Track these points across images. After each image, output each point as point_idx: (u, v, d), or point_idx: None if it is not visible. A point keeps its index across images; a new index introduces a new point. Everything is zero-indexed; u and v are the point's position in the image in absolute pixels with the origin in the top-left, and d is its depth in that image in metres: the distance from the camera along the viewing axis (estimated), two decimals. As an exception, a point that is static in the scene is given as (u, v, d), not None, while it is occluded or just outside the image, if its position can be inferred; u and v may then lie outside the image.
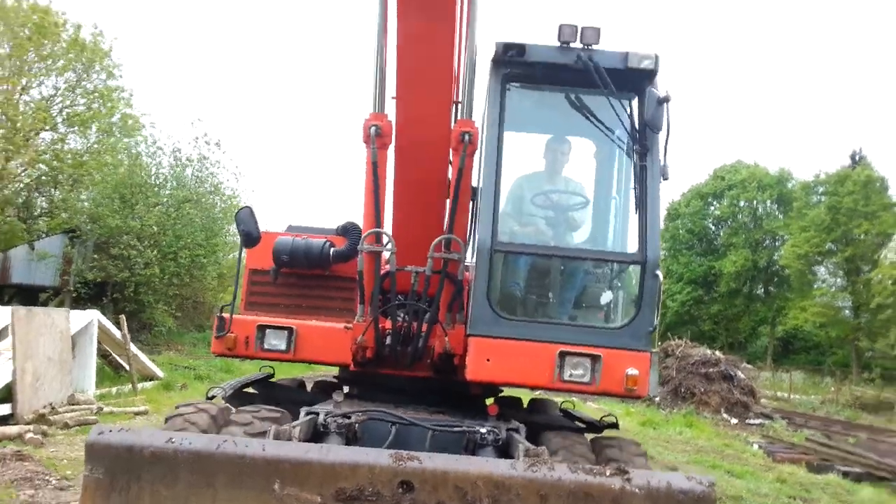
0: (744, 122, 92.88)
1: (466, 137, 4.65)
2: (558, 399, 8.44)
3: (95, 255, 23.12)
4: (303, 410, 4.56)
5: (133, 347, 14.38)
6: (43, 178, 23.85)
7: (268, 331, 5.43)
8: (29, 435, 8.81)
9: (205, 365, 19.48)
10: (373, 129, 4.72)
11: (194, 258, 24.80)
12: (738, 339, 49.53)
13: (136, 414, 11.61)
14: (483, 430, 4.40)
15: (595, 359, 4.55)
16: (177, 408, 4.86)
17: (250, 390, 6.04)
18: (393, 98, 4.77)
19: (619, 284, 5.23)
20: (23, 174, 23.00)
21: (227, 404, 5.42)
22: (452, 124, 4.84)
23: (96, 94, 24.36)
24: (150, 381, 14.89)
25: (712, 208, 52.34)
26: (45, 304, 21.76)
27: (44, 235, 24.27)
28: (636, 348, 4.62)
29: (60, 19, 22.66)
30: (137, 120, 26.83)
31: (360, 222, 5.30)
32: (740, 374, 22.90)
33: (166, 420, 4.69)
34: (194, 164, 26.59)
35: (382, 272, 5.11)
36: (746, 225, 48.87)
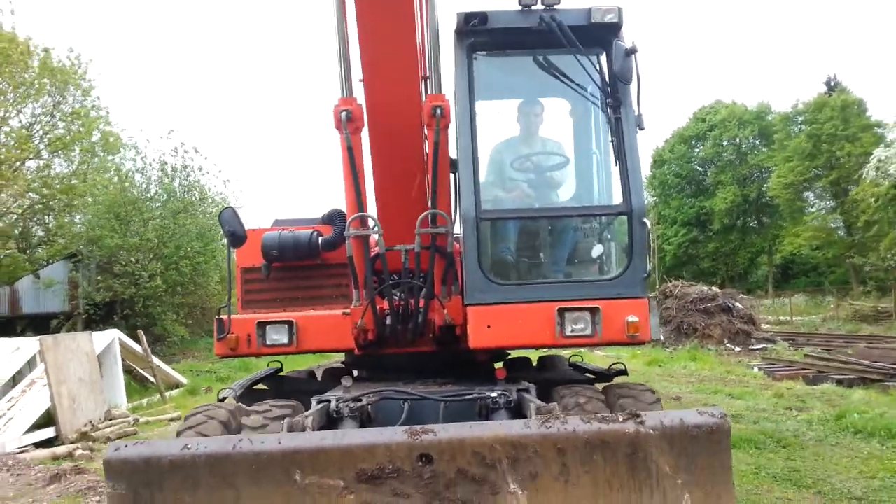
0: (719, 60, 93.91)
1: (438, 111, 4.66)
2: (567, 354, 8.52)
3: (100, 277, 23.71)
4: (314, 400, 4.59)
5: (154, 359, 15.19)
6: (35, 206, 24.11)
7: (268, 327, 5.47)
8: (79, 451, 9.58)
9: (224, 367, 19.87)
10: (343, 114, 4.72)
11: (195, 265, 25.18)
12: (738, 271, 50.62)
13: (171, 420, 12.04)
14: (494, 395, 4.46)
15: (594, 311, 4.62)
16: (185, 419, 4.89)
17: (261, 387, 6.08)
18: (360, 81, 4.75)
19: (609, 236, 5.27)
20: (14, 205, 23.20)
21: (240, 404, 5.45)
22: (423, 100, 4.84)
23: (74, 116, 24.54)
24: (176, 388, 15.69)
25: (697, 150, 53.13)
26: (57, 330, 21.95)
27: (46, 263, 24.85)
28: (633, 296, 4.69)
29: (26, 45, 22.49)
30: (118, 137, 27.18)
31: (345, 208, 5.30)
32: (738, 305, 23.74)
33: (178, 434, 4.72)
34: (179, 173, 26.87)
35: (372, 254, 5.13)
36: (732, 162, 49.68)
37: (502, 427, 3.64)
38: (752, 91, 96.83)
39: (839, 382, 13.30)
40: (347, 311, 5.28)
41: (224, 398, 5.52)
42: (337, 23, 4.64)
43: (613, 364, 6.24)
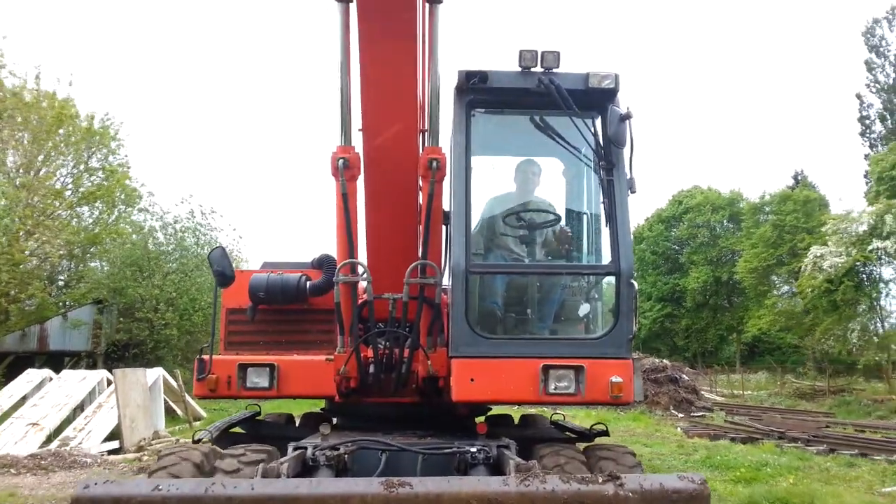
0: (699, 149, 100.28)
1: (434, 164, 4.74)
2: (549, 413, 8.49)
3: (121, 320, 26.76)
4: (290, 446, 4.52)
5: (185, 395, 18.07)
6: (60, 252, 26.26)
7: (249, 369, 5.41)
8: (145, 457, 12.57)
9: (234, 406, 20.47)
10: (341, 161, 4.79)
11: (207, 317, 26.55)
12: (709, 348, 52.74)
13: (202, 442, 14.24)
14: (473, 450, 4.41)
15: (578, 370, 4.60)
16: (158, 459, 4.78)
17: (238, 429, 5.98)
18: (359, 130, 4.83)
19: (596, 296, 5.30)
20: (57, 253, 25.63)
21: (215, 446, 5.35)
22: (420, 152, 4.91)
23: (108, 173, 27.42)
24: (197, 420, 17.91)
25: (673, 230, 56.04)
26: (73, 367, 23.43)
27: (73, 306, 27.68)
28: (618, 356, 4.68)
29: (75, 110, 25.80)
30: (136, 189, 29.50)
31: (335, 254, 5.32)
32: (684, 377, 27.64)
33: (150, 474, 4.61)
34: (191, 232, 29.21)
35: (360, 302, 5.13)
36: (705, 244, 52.19)
37: (480, 483, 3.59)
38: (728, 178, 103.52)
39: (732, 440, 16.50)
40: (331, 356, 5.24)
41: (199, 440, 5.42)
42: (340, 73, 4.75)
43: (594, 425, 6.19)
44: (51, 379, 16.76)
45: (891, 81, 43.72)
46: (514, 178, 5.77)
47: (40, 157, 25.02)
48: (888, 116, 43.81)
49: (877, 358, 29.65)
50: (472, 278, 4.86)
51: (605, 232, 4.95)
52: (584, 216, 5.58)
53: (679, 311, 52.90)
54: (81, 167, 26.87)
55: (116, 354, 26.99)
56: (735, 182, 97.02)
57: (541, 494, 3.51)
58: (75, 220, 27.31)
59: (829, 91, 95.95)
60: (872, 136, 44.35)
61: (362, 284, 5.07)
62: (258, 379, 5.39)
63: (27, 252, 23.67)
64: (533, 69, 4.88)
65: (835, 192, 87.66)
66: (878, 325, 30.45)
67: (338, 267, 4.98)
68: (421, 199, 4.98)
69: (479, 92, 5.02)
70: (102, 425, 14.16)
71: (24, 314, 24.82)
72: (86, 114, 26.42)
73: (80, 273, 28.78)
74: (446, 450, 4.50)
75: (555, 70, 4.86)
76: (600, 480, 3.57)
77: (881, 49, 43.76)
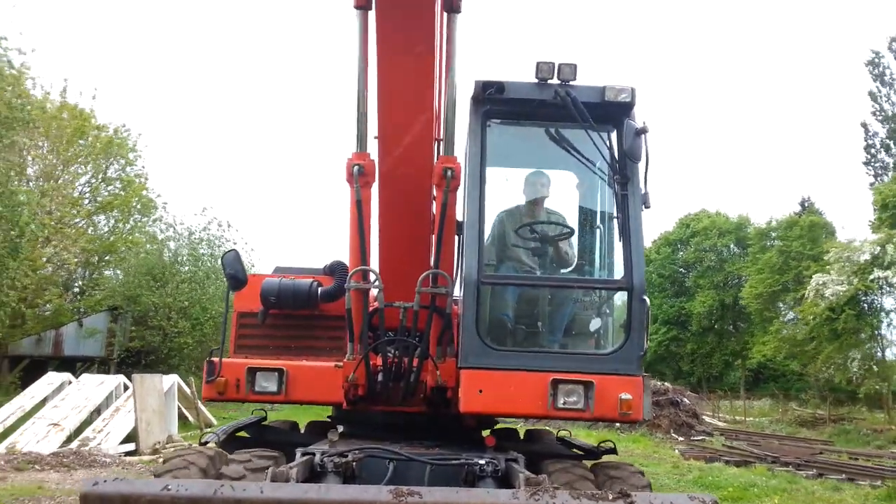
0: (707, 173, 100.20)
1: (449, 173, 4.71)
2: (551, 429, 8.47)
3: (134, 328, 27.74)
4: (298, 451, 4.51)
5: (198, 402, 18.71)
6: (75, 260, 27.42)
7: (258, 373, 5.40)
8: (160, 460, 12.11)
9: (245, 412, 20.56)
10: (356, 168, 4.76)
11: (218, 325, 27.28)
12: (713, 373, 52.49)
13: (213, 447, 14.82)
14: (482, 462, 4.38)
15: (588, 385, 4.57)
16: (165, 462, 4.79)
17: (244, 434, 5.97)
18: (375, 137, 4.84)
19: (608, 311, 5.28)
20: (75, 261, 26.90)
21: (221, 450, 5.34)
22: (435, 161, 4.92)
23: (125, 183, 28.96)
24: (209, 426, 18.18)
25: (680, 253, 56.03)
26: (84, 372, 23.85)
27: (88, 312, 28.47)
28: (628, 373, 4.65)
29: (96, 122, 27.41)
30: (152, 200, 30.87)
31: (347, 261, 5.32)
32: (685, 401, 28.14)
33: (156, 476, 4.61)
34: (206, 243, 30.22)
35: (371, 309, 5.12)
36: (712, 268, 52.15)
37: (490, 496, 3.57)
38: (736, 202, 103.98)
39: (726, 462, 16.95)
40: (340, 363, 5.23)
41: (206, 442, 5.41)
42: (357, 80, 4.75)
43: (603, 442, 6.15)
44: (70, 382, 17.55)
45: (895, 110, 43.64)
46: (522, 189, 5.76)
47: (59, 167, 26.06)
48: (892, 146, 43.65)
49: (877, 387, 29.79)
50: (484, 289, 4.85)
51: (619, 247, 4.94)
52: (598, 230, 5.58)
53: (685, 335, 52.75)
54: (99, 177, 28.26)
55: (130, 361, 27.79)
56: (743, 207, 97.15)
57: (550, 508, 3.48)
58: (91, 228, 28.59)
59: (838, 118, 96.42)
60: (877, 165, 44.27)
61: (373, 292, 5.06)
62: (267, 383, 5.39)
63: (44, 259, 24.55)
64: (550, 81, 4.89)
65: (842, 219, 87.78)
66: (879, 353, 30.64)
67: (350, 273, 4.97)
68: (434, 207, 4.98)
69: (495, 102, 5.03)
70: (120, 428, 15.09)
71: (39, 319, 25.79)
72: (103, 123, 27.74)
73: (95, 281, 30.02)
74: (454, 461, 4.48)
75: (571, 82, 4.87)
76: (610, 497, 3.54)
77: (885, 78, 43.70)
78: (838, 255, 29.57)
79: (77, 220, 27.42)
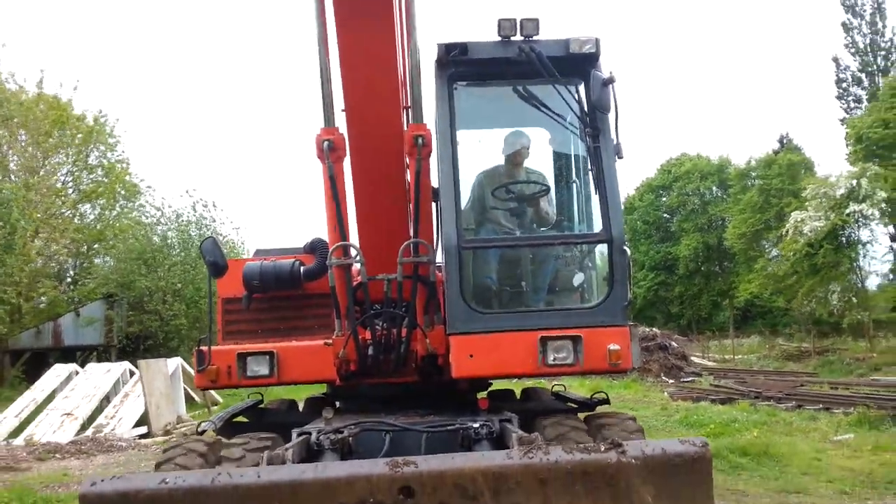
0: (686, 115, 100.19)
1: (420, 141, 4.64)
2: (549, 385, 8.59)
3: (132, 313, 27.56)
4: (294, 432, 4.54)
5: None
6: (64, 250, 28.12)
7: (248, 358, 5.39)
8: (173, 440, 13.38)
9: (246, 390, 21.32)
10: (325, 143, 4.68)
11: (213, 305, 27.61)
12: (702, 314, 53.18)
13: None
14: (476, 426, 4.43)
15: (576, 340, 4.60)
16: (164, 451, 4.82)
17: (242, 419, 6.00)
18: (342, 111, 4.77)
19: (590, 264, 5.29)
20: (65, 252, 27.43)
21: (219, 437, 5.38)
22: (405, 129, 4.86)
23: (107, 170, 29.66)
24: (215, 405, 18.50)
25: (664, 199, 56.35)
26: (85, 362, 24.19)
27: (87, 302, 28.89)
28: (614, 324, 4.69)
29: (76, 113, 28.08)
30: (136, 185, 31.42)
31: (327, 238, 5.29)
32: (674, 344, 29.08)
33: (157, 466, 4.65)
34: (194, 225, 29.81)
35: (354, 284, 5.11)
36: (696, 211, 52.69)
37: (484, 458, 3.61)
38: (717, 144, 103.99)
39: (712, 401, 17.55)
40: (329, 341, 5.24)
41: (204, 430, 5.44)
42: (318, 53, 4.65)
43: (595, 393, 6.23)
44: (77, 373, 18.01)
45: (867, 42, 43.65)
46: (502, 150, 5.72)
47: (40, 158, 26.48)
48: (864, 79, 43.81)
49: (858, 317, 30.85)
50: (465, 254, 4.85)
51: (596, 200, 4.93)
52: (574, 185, 5.56)
53: (672, 279, 53.41)
54: (80, 166, 28.74)
55: (130, 348, 27.79)
56: (723, 148, 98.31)
57: (544, 465, 3.53)
58: (77, 218, 29.01)
59: (814, 51, 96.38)
60: (850, 98, 44.48)
61: (356, 267, 5.04)
62: (258, 367, 5.38)
63: (34, 252, 25.05)
64: (513, 38, 4.81)
65: (821, 153, 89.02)
66: (858, 285, 31.68)
67: (330, 251, 4.94)
68: (409, 176, 4.94)
69: (459, 64, 4.97)
70: (131, 412, 15.71)
71: (36, 312, 26.47)
72: (81, 111, 28.27)
73: (87, 270, 30.39)
74: (449, 427, 4.53)
75: (535, 38, 4.80)
76: (602, 449, 3.59)
77: (857, 9, 43.66)
78: (815, 191, 30.44)
79: (63, 210, 27.67)
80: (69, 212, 28.51)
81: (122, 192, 30.50)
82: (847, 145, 34.90)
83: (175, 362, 18.28)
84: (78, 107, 28.91)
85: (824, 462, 9.49)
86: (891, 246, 36.27)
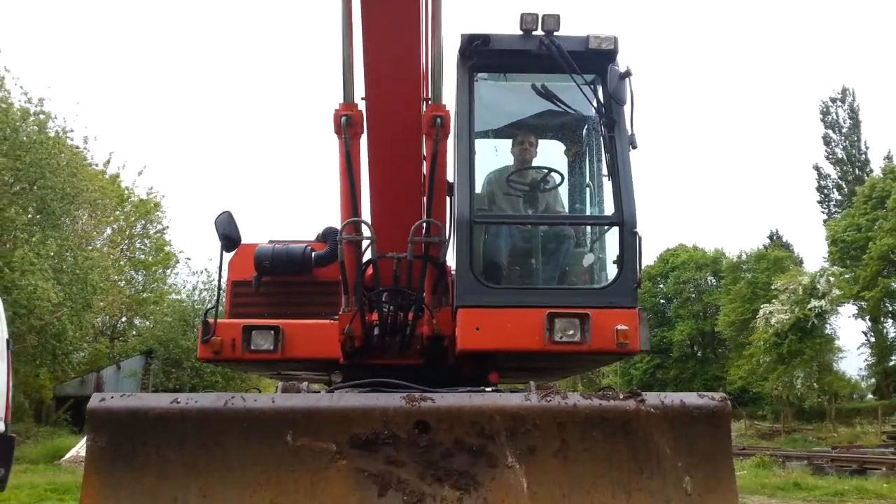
0: (685, 208, 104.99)
1: (438, 121, 4.66)
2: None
3: (173, 369, 29.94)
4: (304, 384, 4.45)
5: None
6: (118, 312, 32.90)
7: (253, 332, 5.29)
8: None
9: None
10: (343, 119, 4.69)
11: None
12: None
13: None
14: (489, 390, 4.37)
15: (584, 318, 4.58)
16: None
17: None
18: (362, 99, 4.81)
19: (600, 247, 5.36)
20: (102, 311, 30.42)
21: None
22: (423, 109, 4.96)
23: (146, 239, 35.31)
24: None
25: (661, 287, 58.41)
26: None
27: (124, 357, 32.72)
28: (623, 305, 4.70)
29: (129, 191, 33.81)
30: (173, 255, 36.48)
31: (339, 216, 5.31)
32: None
33: None
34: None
35: (364, 262, 5.11)
36: (691, 299, 54.94)
37: (502, 398, 3.58)
38: (713, 236, 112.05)
39: None
40: (335, 317, 5.19)
41: None
42: (342, 29, 4.74)
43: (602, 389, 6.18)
44: None
45: (845, 155, 49.83)
46: (510, 150, 5.86)
47: (93, 231, 30.31)
48: (843, 186, 49.37)
49: (818, 400, 34.68)
50: (477, 228, 4.89)
51: (608, 188, 5.05)
52: (588, 178, 5.68)
53: (667, 363, 54.76)
54: (126, 234, 34.04)
55: None
56: (718, 240, 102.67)
57: (563, 409, 3.51)
58: (125, 284, 33.74)
59: (803, 158, 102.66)
60: (831, 203, 50.30)
61: (366, 244, 5.06)
62: (262, 341, 5.27)
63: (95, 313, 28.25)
64: (534, 32, 5.01)
65: (808, 251, 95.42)
66: (819, 373, 34.92)
67: (342, 225, 4.96)
68: (425, 156, 5.01)
69: (481, 55, 5.12)
70: None
71: (80, 363, 30.14)
72: (130, 187, 34.18)
73: (129, 329, 35.81)
74: (461, 390, 4.45)
75: (555, 33, 5.00)
76: (621, 396, 3.59)
77: (836, 126, 50.00)
78: (785, 286, 34.24)
79: (114, 277, 31.04)
80: (122, 279, 32.89)
81: (163, 262, 35.59)
82: (825, 246, 38.97)
83: None
84: (98, 153, 34.67)
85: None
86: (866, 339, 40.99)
